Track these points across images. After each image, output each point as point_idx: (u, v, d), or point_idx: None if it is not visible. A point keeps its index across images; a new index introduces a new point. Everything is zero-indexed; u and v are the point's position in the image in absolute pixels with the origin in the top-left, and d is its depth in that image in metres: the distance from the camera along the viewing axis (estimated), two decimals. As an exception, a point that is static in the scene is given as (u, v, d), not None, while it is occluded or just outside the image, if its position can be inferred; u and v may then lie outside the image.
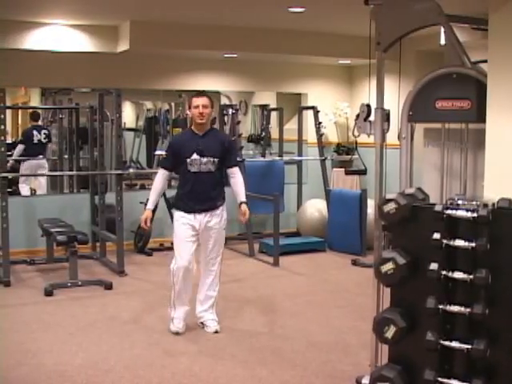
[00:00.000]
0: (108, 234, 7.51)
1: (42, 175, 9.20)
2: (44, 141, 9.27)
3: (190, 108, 4.94)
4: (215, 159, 4.92)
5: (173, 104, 10.79)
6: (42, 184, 9.27)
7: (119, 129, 7.17)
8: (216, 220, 5.00)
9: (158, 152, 10.36)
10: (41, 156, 9.28)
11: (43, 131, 9.29)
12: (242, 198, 5.08)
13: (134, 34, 7.49)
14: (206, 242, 5.03)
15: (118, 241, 7.10)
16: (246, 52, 8.26)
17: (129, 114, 11.48)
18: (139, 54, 8.16)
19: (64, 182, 9.34)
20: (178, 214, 4.98)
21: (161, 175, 5.03)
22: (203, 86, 9.01)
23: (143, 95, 10.32)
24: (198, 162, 4.89)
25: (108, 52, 7.86)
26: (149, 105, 11.30)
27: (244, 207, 5.07)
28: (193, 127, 5.00)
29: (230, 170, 5.05)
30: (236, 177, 5.07)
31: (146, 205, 5.10)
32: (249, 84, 9.37)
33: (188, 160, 4.88)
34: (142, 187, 9.93)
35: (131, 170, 8.47)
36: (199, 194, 4.92)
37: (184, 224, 4.94)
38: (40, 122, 9.50)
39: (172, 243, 5.04)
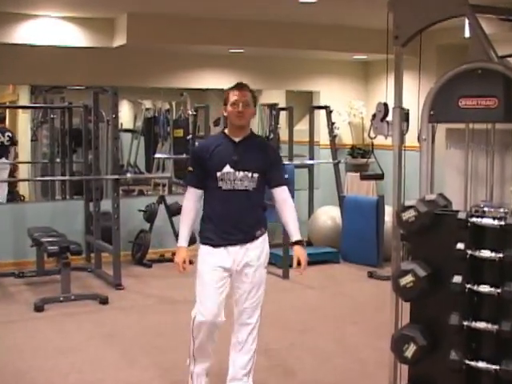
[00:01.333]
0: (103, 244, 7.52)
1: (32, 180, 9.23)
2: (7, 143, 9.33)
3: (225, 104, 4.07)
4: (255, 174, 4.03)
5: (174, 103, 10.78)
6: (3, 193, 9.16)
7: (116, 130, 7.19)
8: (255, 254, 4.09)
9: (157, 155, 10.39)
10: (3, 159, 9.32)
11: (7, 133, 9.36)
12: (296, 235, 4.09)
13: (132, 28, 7.52)
14: (240, 285, 4.12)
15: (114, 251, 7.10)
16: (254, 47, 8.27)
17: (126, 114, 11.48)
18: (137, 49, 8.18)
19: (56, 188, 9.35)
20: (204, 250, 4.12)
21: (190, 196, 4.11)
22: (207, 83, 9.04)
23: (142, 94, 10.32)
24: (232, 177, 4.00)
25: (103, 47, 7.89)
26: (148, 104, 11.29)
27: (299, 251, 4.06)
28: (227, 131, 4.11)
29: (275, 191, 4.12)
30: (284, 201, 4.12)
31: (177, 237, 4.39)
32: (256, 81, 9.36)
33: (218, 174, 4.00)
34: (141, 193, 9.94)
35: (129, 175, 8.51)
36: (232, 220, 4.03)
37: (211, 263, 4.06)
38: (4, 124, 9.59)
39: (195, 282, 4.20)
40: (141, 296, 6.86)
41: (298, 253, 4.03)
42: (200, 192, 4.10)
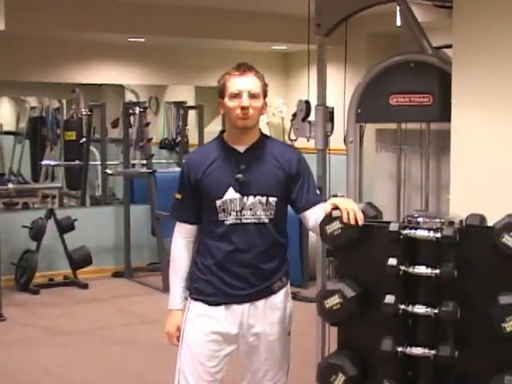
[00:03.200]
0: (-20, 268, 7.33)
1: None
2: None
3: (221, 97, 3.25)
4: (271, 198, 3.24)
5: (64, 101, 10.66)
6: None
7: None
8: (273, 317, 3.31)
9: (45, 162, 10.22)
10: None
11: None
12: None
13: (11, 11, 7.33)
14: (250, 364, 3.35)
15: (-7, 276, 6.94)
16: (156, 35, 8.23)
17: (7, 114, 11.29)
18: (18, 37, 8.02)
19: None
20: (195, 309, 3.31)
21: (180, 236, 3.37)
22: (102, 78, 8.95)
23: (25, 89, 10.15)
24: (239, 206, 3.23)
25: (-23, 34, 7.71)
26: (33, 102, 11.12)
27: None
28: (225, 136, 3.32)
29: (308, 215, 3.30)
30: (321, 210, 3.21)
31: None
32: (160, 76, 9.34)
33: (219, 202, 3.22)
34: (26, 207, 9.75)
35: (11, 185, 8.31)
36: (239, 267, 3.25)
37: (203, 330, 3.26)
38: None
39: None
40: (26, 328, 6.72)
41: (336, 202, 3.03)
42: (194, 228, 3.35)
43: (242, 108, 3.16)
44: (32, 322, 6.89)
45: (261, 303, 3.27)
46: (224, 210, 3.22)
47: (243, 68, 3.24)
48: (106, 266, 8.64)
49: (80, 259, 8.10)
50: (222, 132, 3.35)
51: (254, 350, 3.30)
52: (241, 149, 3.26)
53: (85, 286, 7.98)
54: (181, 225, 3.36)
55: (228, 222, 3.22)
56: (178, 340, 3.31)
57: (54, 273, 8.25)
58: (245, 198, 3.21)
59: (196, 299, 3.29)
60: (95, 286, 8.05)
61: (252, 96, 3.18)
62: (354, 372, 3.02)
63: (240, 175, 3.22)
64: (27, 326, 6.79)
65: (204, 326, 3.25)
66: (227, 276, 3.24)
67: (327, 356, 3.34)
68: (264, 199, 3.22)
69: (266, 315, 3.28)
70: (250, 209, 3.22)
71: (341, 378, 3.02)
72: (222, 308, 3.25)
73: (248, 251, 3.24)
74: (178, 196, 3.34)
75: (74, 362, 5.72)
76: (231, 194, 3.21)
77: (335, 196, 3.29)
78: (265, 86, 3.26)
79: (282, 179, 3.26)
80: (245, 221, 3.22)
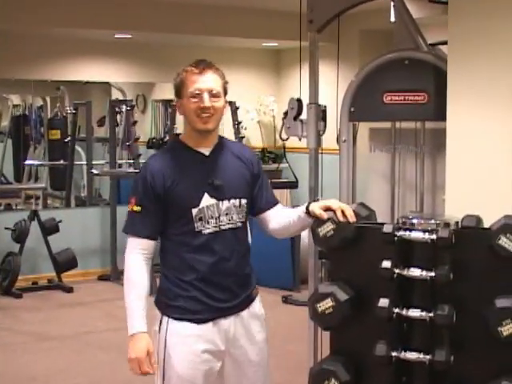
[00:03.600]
0: (-38, 271, 7.32)
1: None
2: None
3: (179, 96, 3.14)
4: (243, 201, 3.19)
5: (48, 99, 10.63)
6: None
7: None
8: (257, 325, 3.28)
9: (29, 162, 10.19)
10: None
11: None
12: (302, 206, 3.14)
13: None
14: (241, 377, 3.26)
15: (-25, 279, 6.93)
16: (143, 32, 8.23)
17: (-12, 112, 11.24)
18: (0, 32, 8.00)
19: None
20: (180, 329, 3.12)
21: (138, 253, 3.16)
22: (88, 75, 8.95)
23: (7, 87, 10.11)
24: (216, 213, 3.11)
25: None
26: (16, 100, 11.09)
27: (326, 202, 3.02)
28: (185, 138, 3.20)
29: (271, 214, 3.29)
30: (284, 212, 3.29)
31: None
32: (148, 74, 9.34)
33: (195, 211, 3.08)
34: (8, 208, 9.72)
35: (-7, 186, 8.29)
36: (222, 278, 3.15)
37: (194, 351, 3.10)
38: None
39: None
40: (8, 333, 6.71)
41: (329, 204, 2.99)
42: (154, 244, 3.15)
43: (203, 108, 3.04)
44: (15, 327, 6.87)
45: (244, 313, 3.21)
46: (201, 219, 3.08)
47: (202, 65, 3.10)
48: (92, 268, 8.64)
49: (65, 262, 8.08)
50: (178, 135, 3.21)
51: (242, 365, 3.22)
52: (206, 152, 3.14)
53: (70, 290, 7.96)
54: (139, 240, 3.14)
55: (207, 231, 3.10)
56: (152, 366, 3.06)
57: (38, 276, 8.23)
58: (220, 203, 3.11)
59: (179, 319, 3.10)
60: (80, 289, 8.04)
61: (213, 95, 3.06)
62: (347, 377, 3.03)
63: (213, 179, 3.10)
64: (10, 330, 6.78)
65: (194, 346, 3.08)
66: (213, 289, 3.12)
67: (319, 361, 3.34)
68: (237, 202, 3.15)
69: (250, 325, 3.22)
70: (226, 214, 3.13)
71: (333, 383, 3.03)
72: (210, 325, 3.11)
73: (230, 259, 3.15)
74: (137, 208, 3.11)
75: (59, 368, 5.71)
76: (207, 200, 3.09)
77: (316, 201, 3.27)
78: (225, 84, 3.14)
79: (249, 179, 3.21)
80: (223, 227, 3.12)
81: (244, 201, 3.17)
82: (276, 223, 3.24)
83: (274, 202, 3.30)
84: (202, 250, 3.09)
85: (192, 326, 3.08)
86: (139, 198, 3.09)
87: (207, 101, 3.02)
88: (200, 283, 3.09)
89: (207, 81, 3.05)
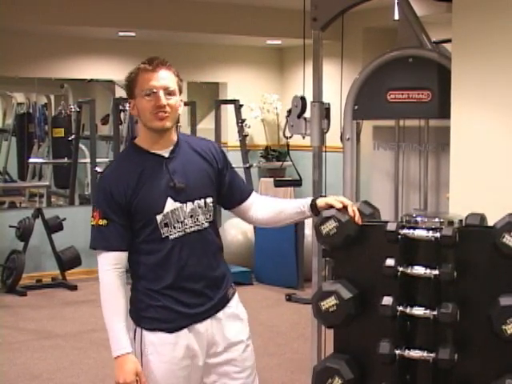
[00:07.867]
0: (-34, 269, 7.33)
1: None
2: None
3: (131, 96, 3.07)
4: (208, 199, 3.09)
5: (52, 97, 10.64)
6: None
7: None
8: (238, 326, 3.19)
9: (33, 160, 10.20)
10: None
11: None
12: (303, 200, 3.16)
13: (-1, 4, 7.37)
14: (228, 379, 3.17)
15: (-21, 277, 6.94)
16: (147, 30, 8.23)
17: (-7, 110, 11.26)
18: (5, 30, 8.00)
19: None
20: (155, 340, 3.04)
21: (112, 267, 3.06)
22: (92, 73, 8.95)
23: (11, 85, 10.14)
24: (181, 216, 3.03)
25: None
26: (20, 98, 11.10)
27: (328, 199, 3.07)
28: (140, 141, 3.07)
29: (248, 203, 3.23)
30: (266, 199, 3.30)
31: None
32: (151, 71, 9.33)
33: (159, 217, 2.99)
34: (13, 206, 9.73)
35: (-3, 184, 8.30)
36: (192, 283, 3.07)
37: (171, 361, 3.03)
38: None
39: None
40: (12, 331, 6.71)
41: (331, 200, 3.04)
42: (125, 256, 3.05)
43: (159, 107, 2.94)
44: (19, 325, 6.88)
45: (220, 314, 3.10)
46: (167, 225, 2.99)
47: (156, 62, 3.01)
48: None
49: (69, 260, 8.08)
50: (134, 138, 3.09)
51: (223, 367, 3.13)
52: (164, 153, 3.03)
53: (74, 288, 7.96)
54: (109, 254, 3.03)
55: (173, 237, 3.00)
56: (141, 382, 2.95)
57: (42, 274, 8.23)
58: (184, 205, 3.01)
59: (152, 329, 3.02)
60: (84, 287, 8.03)
61: (169, 93, 2.96)
62: (351, 376, 3.03)
63: (175, 182, 3.00)
64: (14, 328, 6.78)
65: (170, 355, 3.01)
66: (184, 295, 3.03)
67: (323, 359, 3.34)
68: (202, 202, 3.05)
69: (228, 326, 3.12)
70: (191, 216, 3.03)
71: (337, 381, 3.03)
72: (185, 331, 3.02)
73: (198, 262, 3.05)
74: (103, 222, 2.98)
75: (63, 366, 5.72)
76: (171, 204, 2.99)
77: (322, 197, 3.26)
78: (180, 81, 3.04)
79: (213, 175, 3.11)
80: (188, 230, 3.03)
81: (209, 199, 3.07)
82: (261, 213, 3.20)
83: (249, 191, 3.23)
84: (169, 255, 3.01)
85: (166, 335, 3.01)
86: (103, 212, 2.98)
87: (163, 99, 2.94)
88: (170, 291, 3.02)
89: (162, 78, 2.97)
